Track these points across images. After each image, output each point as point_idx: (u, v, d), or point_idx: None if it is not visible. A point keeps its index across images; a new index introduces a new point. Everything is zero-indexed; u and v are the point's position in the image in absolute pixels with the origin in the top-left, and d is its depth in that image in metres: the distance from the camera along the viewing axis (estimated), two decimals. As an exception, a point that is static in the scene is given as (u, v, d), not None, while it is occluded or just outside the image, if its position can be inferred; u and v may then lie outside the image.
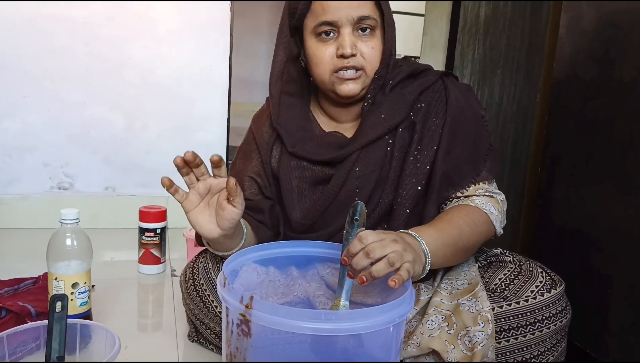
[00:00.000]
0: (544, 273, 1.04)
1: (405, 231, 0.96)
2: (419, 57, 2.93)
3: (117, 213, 2.01)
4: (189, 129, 2.08)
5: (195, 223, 0.96)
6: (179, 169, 0.93)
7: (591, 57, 1.28)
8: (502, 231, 1.08)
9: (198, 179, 0.95)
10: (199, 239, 1.10)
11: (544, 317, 0.97)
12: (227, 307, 0.80)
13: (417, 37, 2.95)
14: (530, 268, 1.05)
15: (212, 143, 2.10)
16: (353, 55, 1.04)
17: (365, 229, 0.88)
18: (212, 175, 0.96)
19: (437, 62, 2.48)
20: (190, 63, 2.03)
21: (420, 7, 3.12)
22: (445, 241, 0.97)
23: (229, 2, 2.02)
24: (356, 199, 1.04)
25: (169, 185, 0.93)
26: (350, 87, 1.06)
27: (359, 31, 1.05)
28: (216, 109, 2.09)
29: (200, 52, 2.04)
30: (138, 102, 2.01)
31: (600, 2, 1.25)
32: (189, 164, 0.92)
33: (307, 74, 1.15)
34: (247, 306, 0.75)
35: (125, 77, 1.99)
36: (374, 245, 0.83)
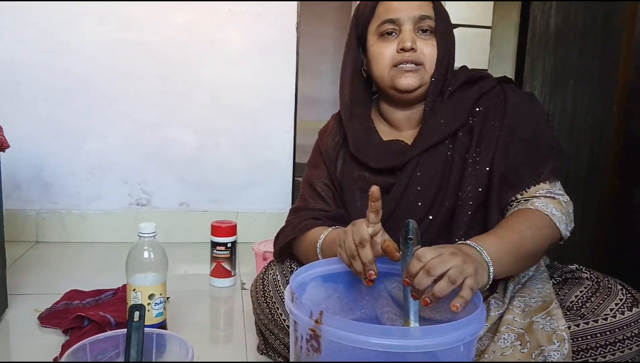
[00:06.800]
0: (624, 290, 0.99)
1: (463, 241, 0.94)
2: (486, 70, 2.88)
3: (190, 227, 2.09)
4: (257, 147, 2.13)
5: None
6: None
7: (672, 64, 1.22)
8: (568, 234, 1.04)
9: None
10: (277, 254, 1.16)
11: (625, 337, 0.92)
12: (295, 322, 0.80)
13: (484, 49, 2.90)
14: (609, 285, 1.00)
15: (279, 160, 2.15)
16: (413, 49, 1.07)
17: (421, 246, 0.87)
18: None
19: (506, 74, 2.42)
20: (258, 83, 2.10)
21: (487, 19, 3.06)
22: (507, 248, 0.95)
23: (295, 23, 2.07)
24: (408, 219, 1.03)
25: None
26: (409, 81, 1.08)
27: (419, 32, 1.09)
28: (282, 126, 2.14)
29: (267, 72, 2.10)
30: (209, 122, 2.09)
31: (681, 6, 1.19)
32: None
33: (369, 87, 1.19)
34: (317, 322, 0.75)
35: (197, 98, 2.07)
36: (434, 262, 0.81)
